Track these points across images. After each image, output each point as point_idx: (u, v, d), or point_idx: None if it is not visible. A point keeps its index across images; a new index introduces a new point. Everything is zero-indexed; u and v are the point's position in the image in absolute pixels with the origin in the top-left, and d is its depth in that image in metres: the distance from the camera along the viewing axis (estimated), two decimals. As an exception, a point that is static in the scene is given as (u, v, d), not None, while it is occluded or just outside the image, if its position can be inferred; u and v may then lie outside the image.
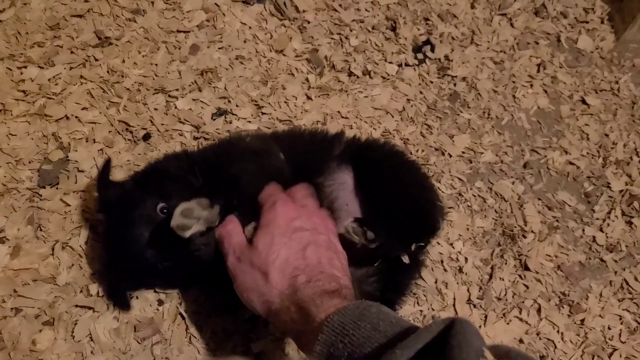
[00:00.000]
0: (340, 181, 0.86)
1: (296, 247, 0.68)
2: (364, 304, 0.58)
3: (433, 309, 0.95)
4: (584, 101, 1.27)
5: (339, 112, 1.15)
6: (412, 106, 1.20)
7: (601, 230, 1.07)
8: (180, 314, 0.88)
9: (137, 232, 0.75)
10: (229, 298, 0.75)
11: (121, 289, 0.84)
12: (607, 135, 1.21)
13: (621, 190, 1.13)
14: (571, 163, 1.16)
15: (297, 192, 0.79)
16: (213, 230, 0.75)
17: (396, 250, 0.79)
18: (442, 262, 0.99)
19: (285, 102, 1.15)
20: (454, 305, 0.94)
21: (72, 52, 1.10)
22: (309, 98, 1.17)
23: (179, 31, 1.19)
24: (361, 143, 0.95)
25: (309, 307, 0.61)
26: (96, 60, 1.10)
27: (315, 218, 0.74)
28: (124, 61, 1.12)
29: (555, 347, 0.92)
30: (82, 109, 1.04)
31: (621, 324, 0.97)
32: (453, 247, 1.01)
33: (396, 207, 0.83)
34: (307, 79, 1.19)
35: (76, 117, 1.02)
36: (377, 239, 0.73)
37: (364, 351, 0.52)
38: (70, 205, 0.94)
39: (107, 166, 0.83)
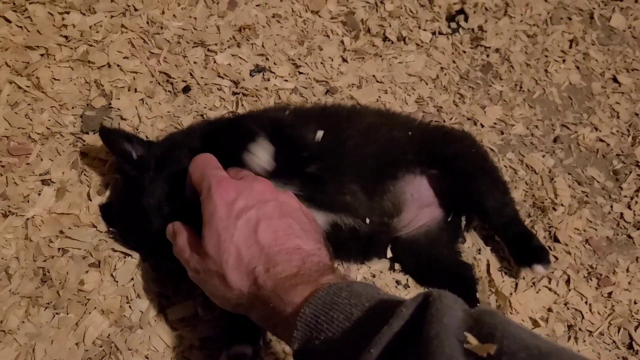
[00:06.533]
0: (405, 178, 0.91)
1: (245, 234, 0.62)
2: (333, 288, 0.53)
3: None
4: (615, 79, 1.27)
5: (374, 76, 1.16)
6: (445, 75, 1.20)
7: (629, 207, 1.09)
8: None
9: None
10: None
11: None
12: (637, 114, 1.22)
13: (649, 170, 1.14)
14: (601, 140, 1.17)
15: None
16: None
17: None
18: (474, 229, 1.00)
19: (321, 62, 1.15)
20: (487, 271, 0.96)
21: (112, 1, 1.08)
22: (344, 60, 1.17)
23: (217, -14, 1.18)
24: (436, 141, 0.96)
25: (275, 302, 0.57)
26: (136, 10, 1.09)
27: (257, 185, 0.67)
28: (163, 12, 1.11)
29: (583, 317, 0.93)
30: (124, 57, 1.03)
31: (647, 299, 0.99)
32: (485, 216, 1.03)
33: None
34: (342, 42, 1.19)
35: (118, 65, 1.01)
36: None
37: (341, 351, 0.49)
38: (113, 153, 0.94)
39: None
